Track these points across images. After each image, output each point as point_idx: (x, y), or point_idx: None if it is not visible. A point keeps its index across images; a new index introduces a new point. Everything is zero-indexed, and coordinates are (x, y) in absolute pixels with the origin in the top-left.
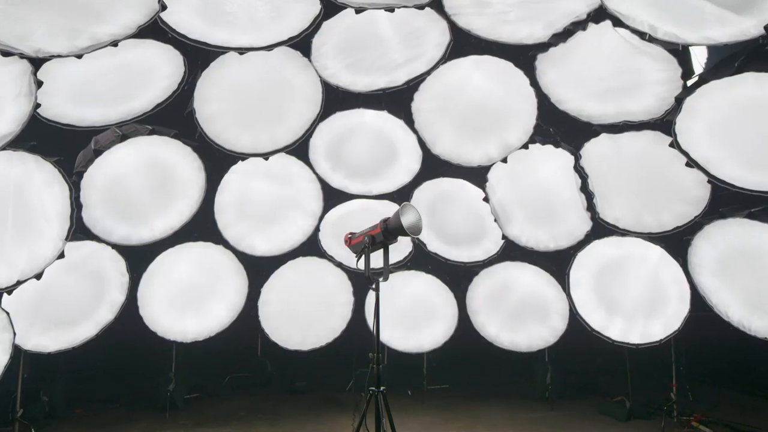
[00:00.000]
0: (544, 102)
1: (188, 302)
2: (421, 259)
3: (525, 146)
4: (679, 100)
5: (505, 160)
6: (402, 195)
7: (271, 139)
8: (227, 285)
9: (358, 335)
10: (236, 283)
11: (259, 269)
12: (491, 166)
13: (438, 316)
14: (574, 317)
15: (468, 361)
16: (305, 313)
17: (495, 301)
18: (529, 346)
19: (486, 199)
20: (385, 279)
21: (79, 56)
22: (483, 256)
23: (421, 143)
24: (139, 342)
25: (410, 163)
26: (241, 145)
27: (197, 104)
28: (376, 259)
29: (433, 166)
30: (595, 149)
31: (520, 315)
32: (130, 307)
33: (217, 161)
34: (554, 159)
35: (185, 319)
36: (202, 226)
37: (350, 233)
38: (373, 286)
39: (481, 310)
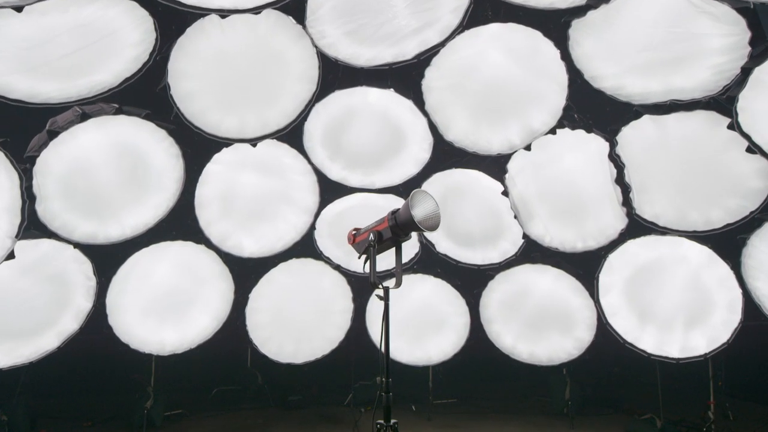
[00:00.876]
0: (576, 79)
1: (165, 310)
2: (429, 262)
3: (552, 131)
4: (746, 71)
5: (528, 148)
6: (409, 188)
7: (260, 123)
8: (210, 290)
9: (359, 345)
10: (221, 288)
11: (246, 272)
12: (512, 154)
13: (447, 325)
14: (602, 327)
15: (477, 372)
16: (299, 321)
17: (512, 309)
18: (550, 359)
19: (505, 193)
20: (398, 285)
21: (19, 8)
22: (499, 258)
23: (432, 128)
24: (112, 354)
25: (419, 151)
26: (225, 128)
27: (172, 79)
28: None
29: (444, 155)
30: (634, 134)
31: (540, 324)
32: (99, 315)
33: (197, 147)
34: (585, 146)
35: (162, 329)
36: (180, 223)
37: (355, 229)
38: (380, 293)
39: (497, 318)
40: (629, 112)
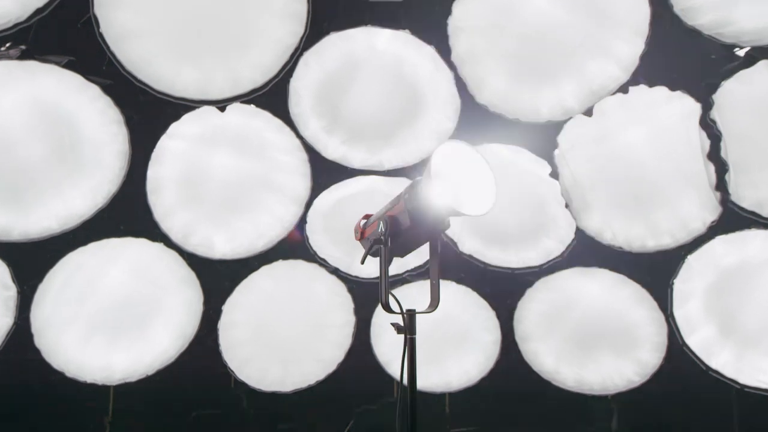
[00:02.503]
0: (661, 13)
1: (113, 327)
2: (451, 264)
3: (623, 89)
4: None
5: (589, 113)
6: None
7: (229, 78)
8: (172, 301)
9: (361, 365)
10: (185, 299)
11: (219, 278)
12: (566, 122)
13: (473, 343)
14: (675, 348)
15: (506, 398)
16: (286, 339)
17: (556, 324)
18: (604, 387)
19: (553, 175)
20: (433, 306)
21: None
22: (541, 259)
23: (460, 86)
24: (52, 381)
25: (441, 119)
26: (181, 85)
27: (101, 9)
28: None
29: (474, 124)
30: (740, 91)
31: (591, 343)
32: (23, 333)
33: (146, 112)
34: (667, 109)
35: (109, 352)
36: (129, 214)
37: (366, 216)
38: (399, 324)
39: (535, 335)
40: (735, 58)
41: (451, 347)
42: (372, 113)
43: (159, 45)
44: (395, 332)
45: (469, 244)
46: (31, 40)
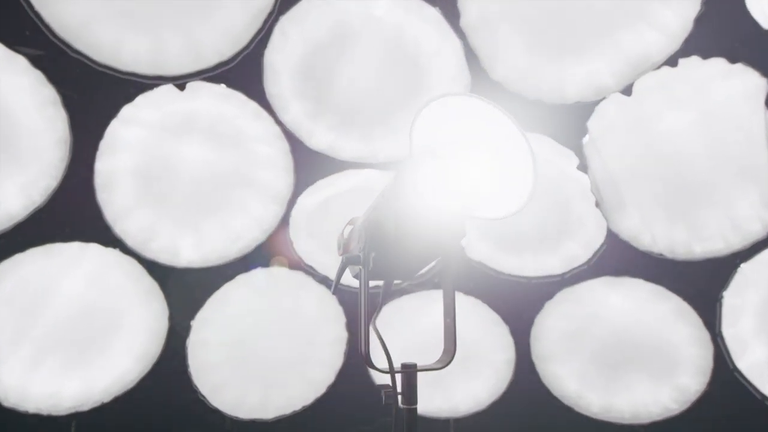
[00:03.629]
0: None
1: (60, 348)
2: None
3: (669, 62)
4: None
5: (628, 92)
6: None
7: (189, 49)
8: (131, 316)
9: (356, 386)
10: (147, 313)
11: (187, 289)
12: (598, 103)
13: (483, 363)
14: (722, 371)
15: (516, 422)
16: (267, 359)
17: (580, 342)
18: (636, 415)
19: (581, 167)
20: (446, 360)
21: None
22: (563, 266)
23: (471, 59)
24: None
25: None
26: (129, 57)
27: None
28: None
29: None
30: None
31: (622, 365)
32: None
33: (89, 90)
34: (725, 87)
35: (57, 377)
36: (74, 215)
37: (350, 223)
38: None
39: (556, 355)
40: None
41: (457, 367)
42: (364, 93)
43: (98, 7)
44: (383, 400)
45: (480, 248)
46: None
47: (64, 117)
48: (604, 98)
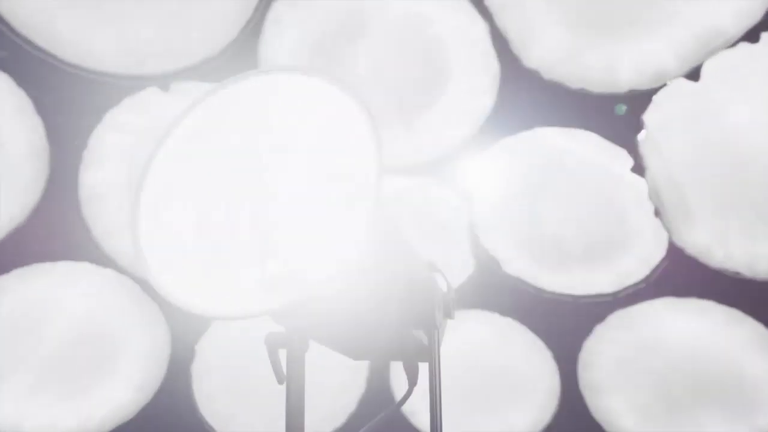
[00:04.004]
0: None
1: (53, 377)
2: (493, 289)
3: (748, 38)
4: None
5: (695, 77)
6: (448, 165)
7: (168, 42)
8: (129, 342)
9: (378, 415)
10: (146, 338)
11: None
12: (657, 91)
13: (521, 393)
14: None
15: None
16: (278, 389)
17: (638, 372)
18: None
19: (637, 169)
20: None
21: None
22: (616, 284)
23: (499, 43)
24: None
25: (473, 91)
26: (99, 52)
27: None
28: None
29: (520, 99)
30: None
31: (688, 400)
32: None
33: (66, 92)
34: None
35: (49, 408)
36: (57, 231)
37: None
38: None
39: (609, 386)
40: None
41: (491, 398)
42: (375, 88)
43: None
44: None
45: (518, 263)
46: None
47: (39, 125)
48: (664, 84)
